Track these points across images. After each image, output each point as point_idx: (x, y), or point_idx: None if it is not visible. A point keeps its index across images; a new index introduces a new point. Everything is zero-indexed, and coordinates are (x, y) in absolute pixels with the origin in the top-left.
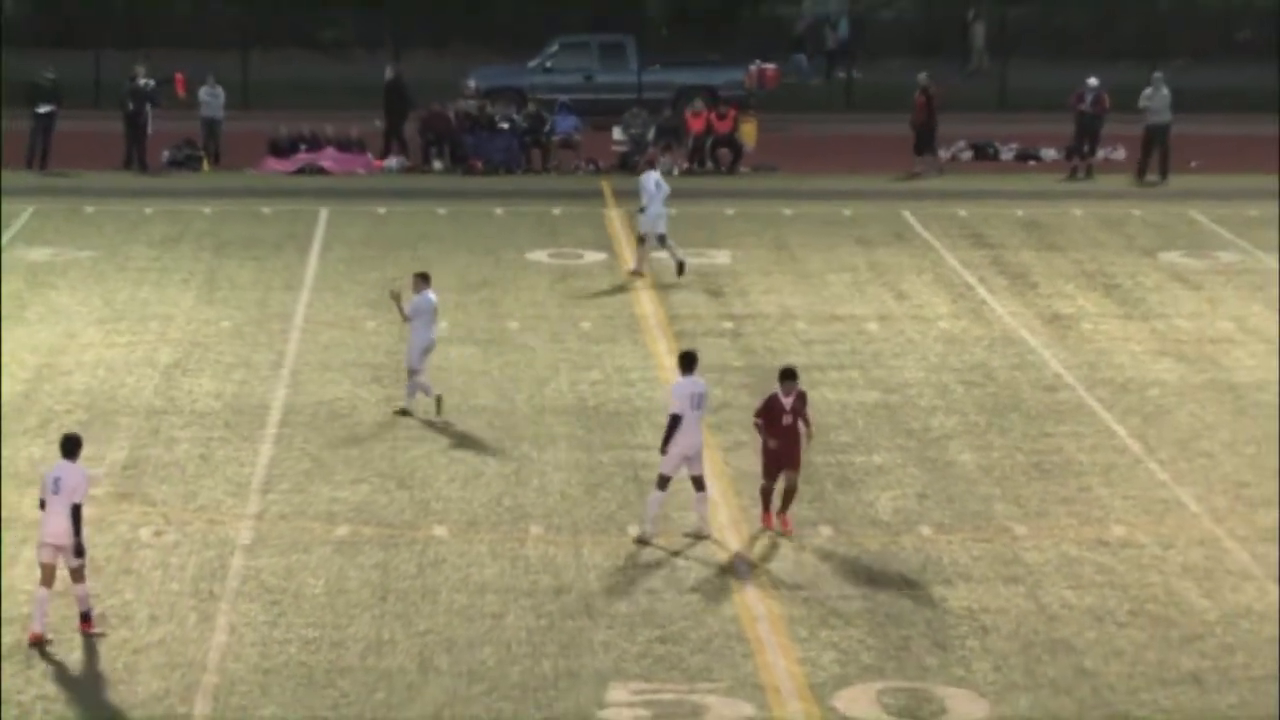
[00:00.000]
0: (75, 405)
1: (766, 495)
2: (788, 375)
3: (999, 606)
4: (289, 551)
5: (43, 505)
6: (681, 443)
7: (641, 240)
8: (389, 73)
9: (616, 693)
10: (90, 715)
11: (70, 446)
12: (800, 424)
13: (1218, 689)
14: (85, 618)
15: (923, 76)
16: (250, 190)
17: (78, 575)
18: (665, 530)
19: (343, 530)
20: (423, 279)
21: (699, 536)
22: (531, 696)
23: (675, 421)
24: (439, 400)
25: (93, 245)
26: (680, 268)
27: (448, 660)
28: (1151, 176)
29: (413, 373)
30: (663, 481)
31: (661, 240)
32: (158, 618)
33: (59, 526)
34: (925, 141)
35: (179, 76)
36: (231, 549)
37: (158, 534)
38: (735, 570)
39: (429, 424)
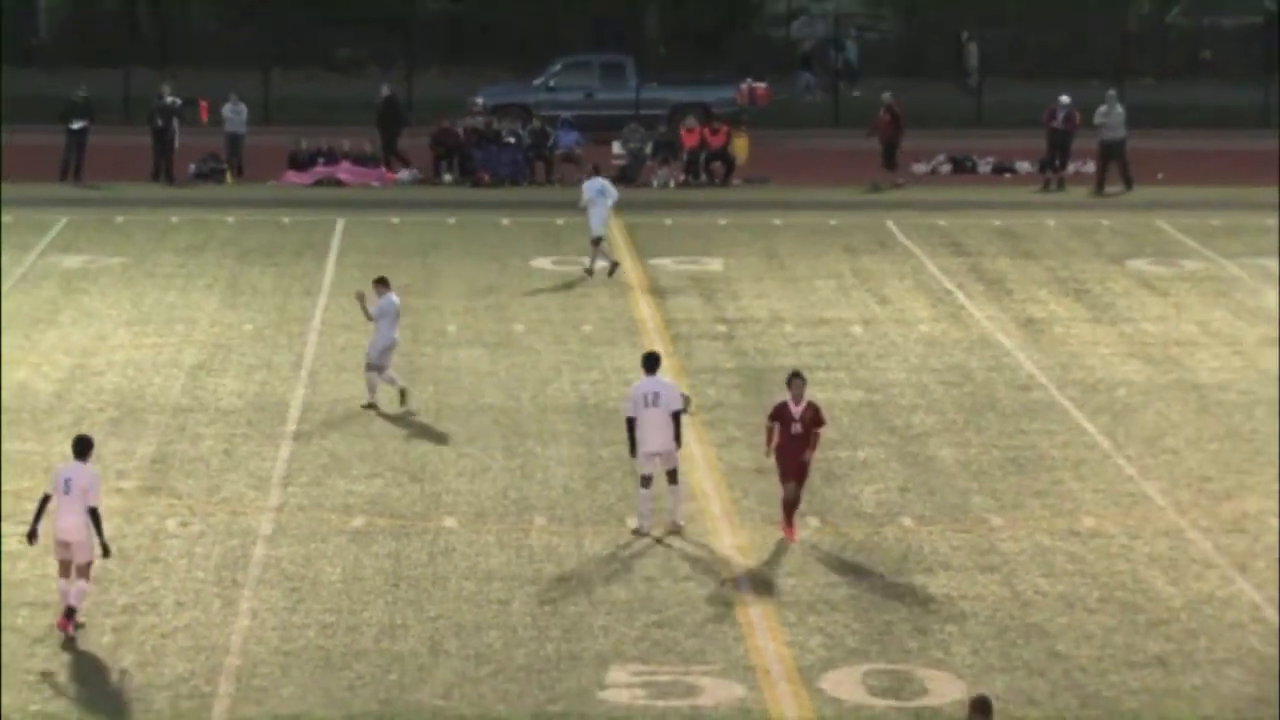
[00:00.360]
0: (106, 404)
1: (787, 504)
2: (794, 376)
3: (976, 593)
4: (307, 541)
5: (45, 500)
6: (646, 441)
7: (597, 241)
8: (384, 90)
9: (616, 674)
10: (120, 695)
11: (82, 448)
12: (810, 437)
13: (1182, 671)
14: (69, 613)
15: (886, 95)
16: (271, 201)
17: (84, 572)
18: (660, 522)
19: (358, 521)
20: (383, 283)
21: (673, 529)
22: (536, 678)
23: (629, 424)
24: (404, 393)
25: (123, 253)
26: (594, 271)
27: (457, 644)
28: (1114, 188)
29: (371, 369)
30: (644, 480)
31: (596, 242)
32: (183, 604)
33: (68, 523)
34: (887, 155)
35: (203, 104)
36: (253, 539)
37: (184, 525)
38: (727, 559)
39: (438, 421)
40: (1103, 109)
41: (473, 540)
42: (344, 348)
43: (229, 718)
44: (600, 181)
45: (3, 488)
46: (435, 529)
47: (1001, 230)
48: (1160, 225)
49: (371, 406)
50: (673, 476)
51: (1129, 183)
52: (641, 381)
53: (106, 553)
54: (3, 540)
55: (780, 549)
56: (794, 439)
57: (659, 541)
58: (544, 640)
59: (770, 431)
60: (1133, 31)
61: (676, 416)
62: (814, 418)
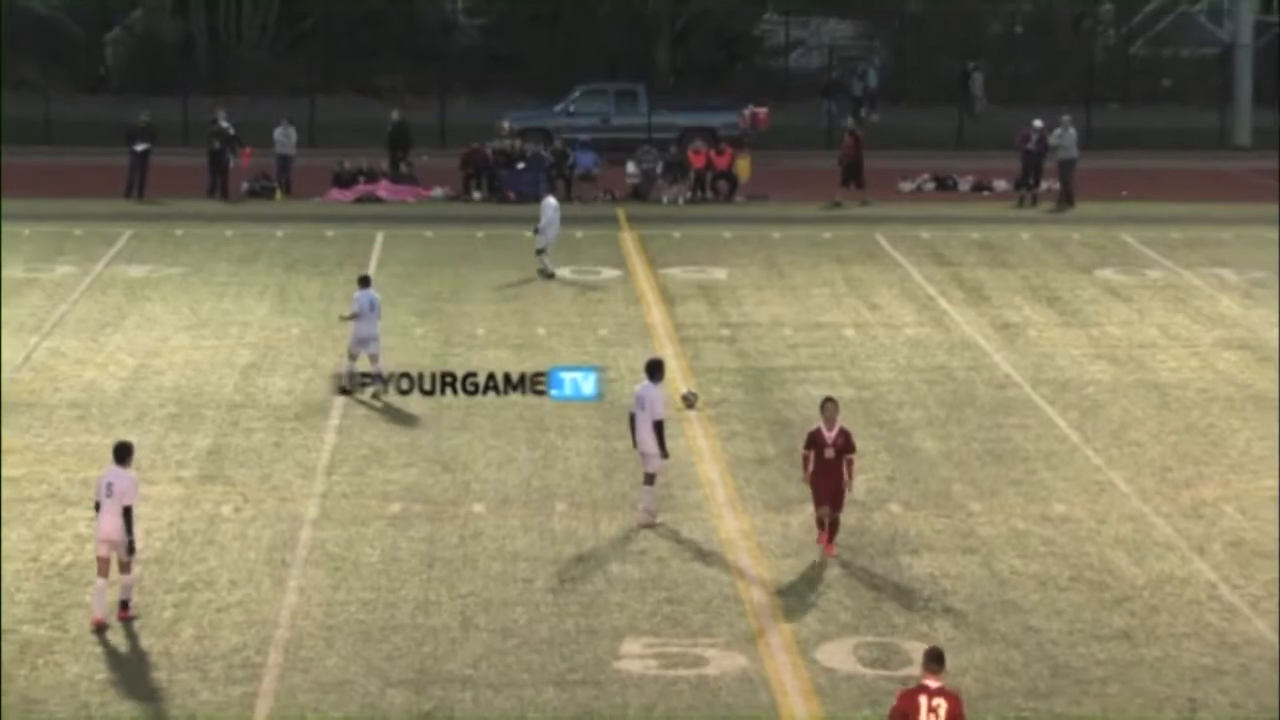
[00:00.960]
0: (167, 400)
1: (821, 522)
2: (827, 400)
3: (957, 573)
4: (349, 525)
5: (97, 507)
6: (637, 440)
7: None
8: (395, 115)
9: (630, 646)
10: (179, 664)
11: (122, 454)
12: (844, 463)
13: (1145, 643)
14: (124, 605)
15: (850, 121)
16: (317, 216)
17: (126, 568)
18: (670, 508)
19: (395, 507)
20: (361, 281)
21: (646, 524)
22: (557, 650)
23: (630, 420)
24: (355, 384)
25: (182, 263)
26: (550, 275)
27: (485, 618)
28: (1062, 203)
29: (353, 359)
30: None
31: (540, 252)
32: (237, 582)
33: (111, 525)
34: (854, 175)
35: (245, 151)
36: (300, 523)
37: (237, 510)
38: (731, 542)
39: (468, 416)
40: (1057, 131)
41: (500, 524)
42: (382, 349)
43: (278, 685)
44: (553, 200)
45: (66, 476)
46: (465, 514)
47: (980, 242)
48: (1125, 238)
49: (377, 394)
50: (648, 479)
51: (1070, 199)
52: (640, 386)
53: (131, 550)
54: (1, 527)
55: (779, 533)
56: (828, 464)
57: (651, 527)
58: (564, 615)
59: (806, 460)
60: (1099, 61)
61: (658, 426)
62: (846, 444)
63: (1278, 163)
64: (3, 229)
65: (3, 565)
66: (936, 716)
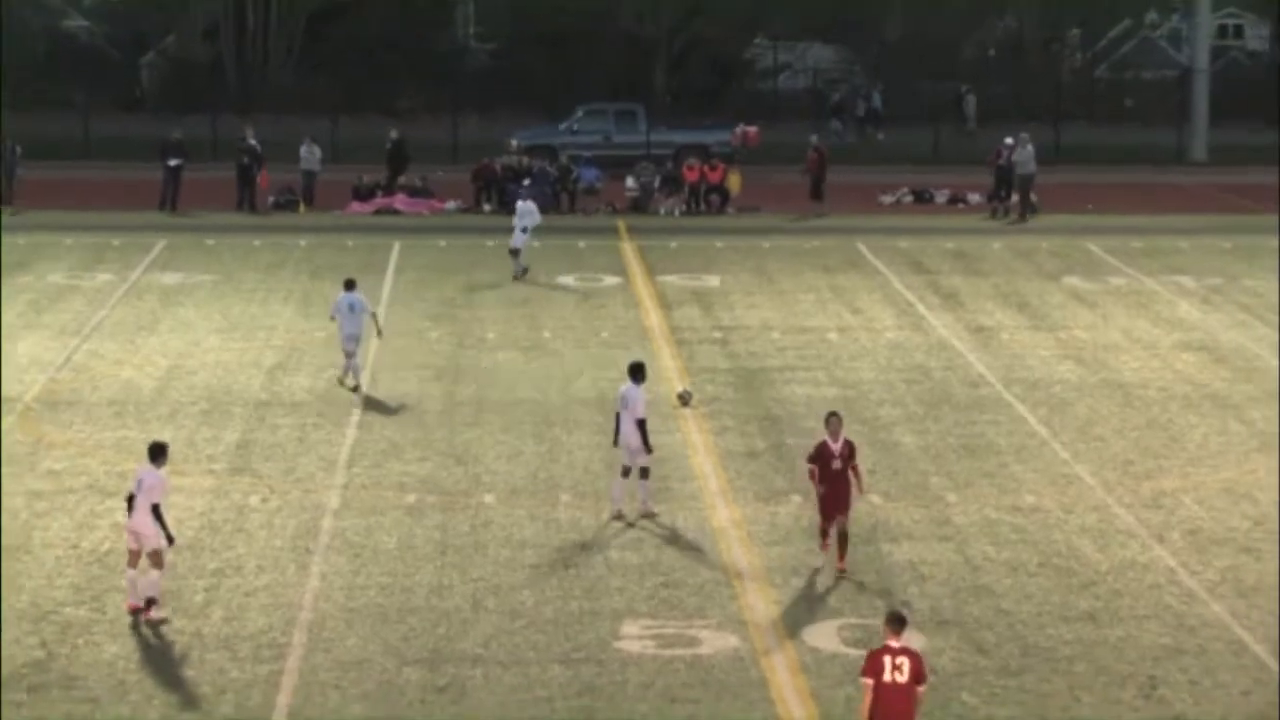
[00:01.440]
0: (198, 398)
1: (825, 531)
2: (831, 415)
3: (934, 559)
4: (368, 515)
5: (130, 500)
6: (622, 437)
7: (515, 253)
8: (393, 134)
9: (629, 627)
10: (210, 644)
11: (154, 453)
12: (850, 472)
13: (1108, 625)
14: (147, 604)
15: (814, 138)
16: (338, 227)
17: (156, 560)
18: (666, 498)
19: (411, 498)
20: (345, 284)
21: (645, 513)
22: (562, 630)
23: (616, 419)
24: (355, 385)
25: (213, 271)
26: (523, 273)
27: (495, 601)
28: (1021, 215)
29: (348, 355)
30: (623, 470)
31: (514, 253)
32: (264, 567)
33: (138, 518)
34: (814, 188)
35: (264, 172)
36: (322, 513)
37: (264, 501)
38: (723, 530)
39: (479, 413)
40: (1017, 149)
41: (508, 514)
42: (399, 350)
43: (301, 664)
44: (531, 204)
45: (105, 468)
46: (477, 504)
47: (955, 252)
48: (1090, 247)
49: (356, 389)
50: (641, 473)
51: (1033, 210)
52: (624, 387)
53: (170, 541)
54: (1, 531)
55: (767, 522)
56: (835, 475)
57: (650, 517)
58: (568, 598)
59: (813, 474)
60: (1067, 83)
61: (641, 424)
62: (851, 454)
63: (1278, 178)
64: (22, 238)
65: (40, 553)
66: (901, 673)
